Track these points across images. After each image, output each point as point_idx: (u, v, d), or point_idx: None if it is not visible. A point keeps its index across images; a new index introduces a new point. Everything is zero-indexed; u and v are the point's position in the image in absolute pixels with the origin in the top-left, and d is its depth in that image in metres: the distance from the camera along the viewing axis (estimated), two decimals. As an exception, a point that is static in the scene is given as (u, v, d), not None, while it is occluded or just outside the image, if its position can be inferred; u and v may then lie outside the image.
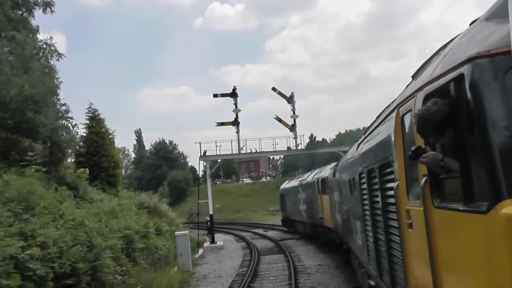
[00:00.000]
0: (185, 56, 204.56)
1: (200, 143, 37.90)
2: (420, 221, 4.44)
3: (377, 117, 8.07)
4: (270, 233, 41.54)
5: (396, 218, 5.67)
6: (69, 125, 19.07)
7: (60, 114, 18.57)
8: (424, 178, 4.18)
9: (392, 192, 5.76)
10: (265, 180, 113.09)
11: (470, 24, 4.10)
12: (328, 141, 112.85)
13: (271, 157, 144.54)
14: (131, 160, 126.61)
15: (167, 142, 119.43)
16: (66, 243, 11.25)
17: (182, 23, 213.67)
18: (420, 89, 4.34)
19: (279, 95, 38.88)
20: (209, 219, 35.23)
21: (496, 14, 3.54)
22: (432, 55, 5.08)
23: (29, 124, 15.89)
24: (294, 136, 38.40)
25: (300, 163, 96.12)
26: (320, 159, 73.24)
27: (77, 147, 22.44)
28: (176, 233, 23.66)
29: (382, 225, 6.90)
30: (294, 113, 38.74)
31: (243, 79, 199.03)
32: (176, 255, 22.36)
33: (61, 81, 19.86)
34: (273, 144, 37.99)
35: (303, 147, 40.09)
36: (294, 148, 39.18)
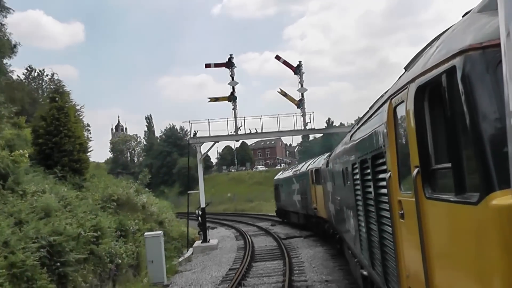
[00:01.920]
0: (204, 44, 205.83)
1: (190, 122, 31.49)
2: (412, 211, 4.47)
3: (370, 108, 8.09)
4: (276, 229, 36.66)
5: (388, 208, 5.71)
6: None
7: None
8: (416, 169, 4.21)
9: (384, 183, 5.80)
10: (279, 167, 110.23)
11: (463, 16, 4.11)
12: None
13: (288, 144, 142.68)
14: (142, 148, 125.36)
15: (178, 129, 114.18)
16: None
17: (200, 11, 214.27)
18: (412, 80, 4.36)
19: (285, 65, 32.32)
20: (200, 212, 29.47)
21: (489, 6, 3.54)
22: (425, 46, 5.09)
23: None
24: (302, 114, 31.42)
25: (318, 149, 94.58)
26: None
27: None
28: (145, 234, 18.73)
29: (374, 215, 6.94)
30: (302, 86, 31.78)
31: (262, 66, 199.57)
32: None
33: None
34: (277, 123, 33.41)
35: (313, 127, 32.14)
36: (302, 127, 31.58)
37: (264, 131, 31.51)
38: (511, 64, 2.40)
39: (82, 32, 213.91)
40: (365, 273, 9.00)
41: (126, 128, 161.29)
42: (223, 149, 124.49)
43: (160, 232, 19.38)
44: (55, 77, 22.28)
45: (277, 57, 32.81)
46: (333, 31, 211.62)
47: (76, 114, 22.11)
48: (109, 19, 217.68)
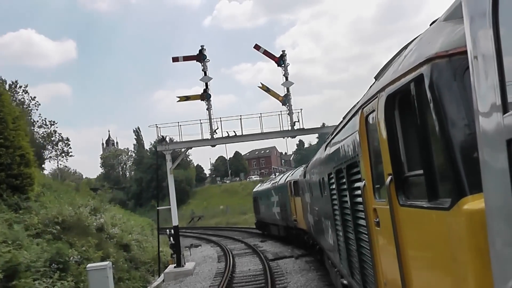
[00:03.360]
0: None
1: (157, 126, 27.06)
2: (386, 219, 4.50)
3: (344, 118, 8.16)
4: (266, 246, 32.60)
5: (364, 217, 5.74)
6: None
7: None
8: (389, 177, 4.24)
9: (359, 192, 5.83)
10: (274, 176, 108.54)
11: (430, 25, 4.18)
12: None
13: (283, 152, 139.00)
14: (133, 162, 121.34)
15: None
16: None
17: (191, 23, 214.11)
18: (382, 89, 4.40)
19: (266, 56, 28.21)
20: (172, 232, 24.99)
21: (454, 15, 3.61)
22: (394, 55, 5.16)
23: None
24: (287, 111, 27.17)
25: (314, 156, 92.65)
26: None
27: None
28: (88, 266, 14.96)
29: (351, 224, 6.97)
30: (286, 79, 27.48)
31: (256, 77, 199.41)
32: None
33: None
34: (260, 124, 27.43)
35: (301, 127, 27.52)
36: (289, 128, 27.19)
37: (244, 134, 27.17)
38: (478, 72, 2.44)
39: (74, 50, 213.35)
40: (345, 282, 9.01)
41: (117, 143, 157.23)
42: (216, 160, 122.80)
43: (106, 263, 15.30)
44: None
45: (256, 47, 28.39)
46: (324, 39, 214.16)
47: (16, 117, 18.65)
48: (100, 35, 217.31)
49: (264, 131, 27.27)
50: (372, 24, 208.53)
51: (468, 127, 3.12)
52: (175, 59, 27.75)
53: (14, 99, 49.33)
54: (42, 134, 54.73)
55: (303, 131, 28.03)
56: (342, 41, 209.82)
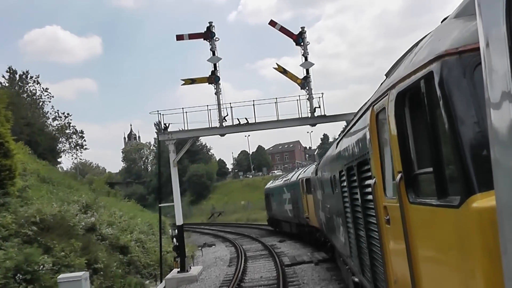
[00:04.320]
0: (221, 52, 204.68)
1: (159, 112, 23.93)
2: (396, 217, 4.50)
3: (355, 115, 8.14)
4: (284, 247, 29.53)
5: (374, 214, 5.74)
6: None
7: None
8: (399, 175, 4.24)
9: (370, 189, 5.83)
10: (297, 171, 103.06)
11: (442, 22, 4.16)
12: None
13: (308, 147, 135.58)
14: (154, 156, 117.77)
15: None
16: None
17: (216, 18, 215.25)
18: (392, 87, 4.40)
19: (283, 34, 25.22)
20: (175, 232, 22.32)
21: (465, 12, 3.59)
22: (405, 53, 5.14)
23: None
24: (307, 96, 24.16)
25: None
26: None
27: None
28: (59, 278, 12.55)
29: (362, 222, 6.96)
30: (306, 59, 24.54)
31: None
32: None
33: None
34: (275, 110, 24.59)
35: (323, 114, 24.33)
36: (309, 115, 24.23)
37: (257, 122, 24.20)
38: (490, 69, 2.43)
39: (99, 45, 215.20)
40: (356, 279, 9.01)
41: (139, 137, 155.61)
42: (238, 154, 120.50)
43: (81, 273, 12.86)
44: None
45: (272, 23, 25.21)
46: (349, 33, 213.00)
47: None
48: (126, 30, 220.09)
49: (279, 118, 24.31)
50: (398, 18, 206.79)
51: (477, 125, 3.11)
52: (180, 37, 25.05)
53: (24, 90, 48.79)
54: (56, 127, 53.90)
55: (325, 118, 24.43)
56: (367, 35, 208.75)
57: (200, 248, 31.37)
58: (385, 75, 5.72)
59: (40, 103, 51.02)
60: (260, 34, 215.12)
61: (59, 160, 55.22)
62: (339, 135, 11.59)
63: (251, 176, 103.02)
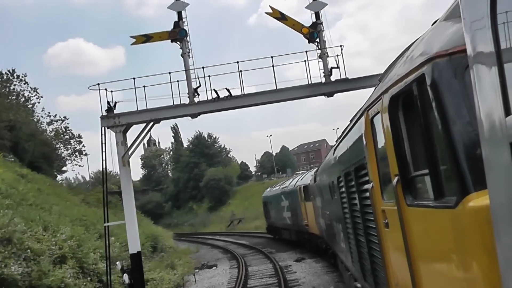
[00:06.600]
0: (242, 55, 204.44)
1: (100, 86, 16.72)
2: (395, 220, 4.51)
3: (350, 121, 8.18)
4: (301, 270, 22.20)
5: (373, 219, 5.75)
6: None
7: None
8: (396, 178, 4.26)
9: (368, 194, 5.84)
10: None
11: (432, 24, 4.21)
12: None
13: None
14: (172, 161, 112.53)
15: (205, 136, 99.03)
16: None
17: (236, 22, 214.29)
18: (385, 91, 4.43)
19: None
20: (122, 266, 15.94)
21: (454, 14, 3.63)
22: (397, 57, 5.18)
23: None
24: (318, 52, 17.46)
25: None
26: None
27: None
28: None
29: (361, 226, 6.98)
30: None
31: (304, 72, 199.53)
32: None
33: None
34: (274, 79, 16.95)
35: (344, 77, 17.06)
36: (322, 79, 17.18)
37: (245, 94, 17.12)
38: (478, 75, 2.45)
39: (123, 56, 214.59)
40: (358, 285, 8.99)
41: (158, 142, 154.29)
42: (261, 156, 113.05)
43: None
44: None
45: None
46: (371, 30, 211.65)
47: None
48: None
49: (278, 88, 17.04)
50: (420, 12, 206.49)
51: (470, 125, 3.14)
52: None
53: (9, 90, 43.31)
54: (52, 132, 47.90)
55: (346, 84, 17.03)
56: (390, 31, 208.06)
57: (197, 270, 26.14)
58: (379, 80, 5.76)
59: (30, 105, 45.19)
60: (281, 36, 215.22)
61: (64, 169, 50.33)
62: (336, 141, 11.61)
63: (275, 178, 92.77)
